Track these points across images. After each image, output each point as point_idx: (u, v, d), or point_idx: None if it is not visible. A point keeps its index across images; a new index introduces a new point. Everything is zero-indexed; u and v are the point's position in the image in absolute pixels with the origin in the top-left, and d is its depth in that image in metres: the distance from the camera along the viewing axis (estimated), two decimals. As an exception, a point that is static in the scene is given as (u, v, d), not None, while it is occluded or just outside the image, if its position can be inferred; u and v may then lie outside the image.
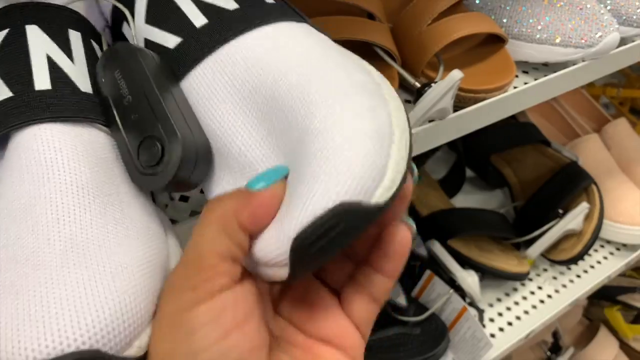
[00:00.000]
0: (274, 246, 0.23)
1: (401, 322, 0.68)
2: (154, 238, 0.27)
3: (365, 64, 0.28)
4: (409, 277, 0.73)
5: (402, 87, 0.50)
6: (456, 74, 0.43)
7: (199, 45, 0.29)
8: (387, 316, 0.67)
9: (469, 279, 0.69)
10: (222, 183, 0.27)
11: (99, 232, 0.25)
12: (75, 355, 0.21)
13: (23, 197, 0.26)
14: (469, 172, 0.95)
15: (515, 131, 0.91)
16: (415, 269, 0.73)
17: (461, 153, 0.91)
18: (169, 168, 0.26)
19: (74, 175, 0.26)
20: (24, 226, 0.25)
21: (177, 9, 0.30)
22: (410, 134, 0.25)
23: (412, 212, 0.80)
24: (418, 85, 0.46)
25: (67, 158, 0.27)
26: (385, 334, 0.66)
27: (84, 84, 0.30)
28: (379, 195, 0.22)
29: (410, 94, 0.52)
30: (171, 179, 0.26)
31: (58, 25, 0.31)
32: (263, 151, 0.26)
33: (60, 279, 0.23)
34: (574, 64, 0.57)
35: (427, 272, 0.70)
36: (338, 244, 0.22)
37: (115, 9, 0.33)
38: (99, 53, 0.33)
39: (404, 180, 0.23)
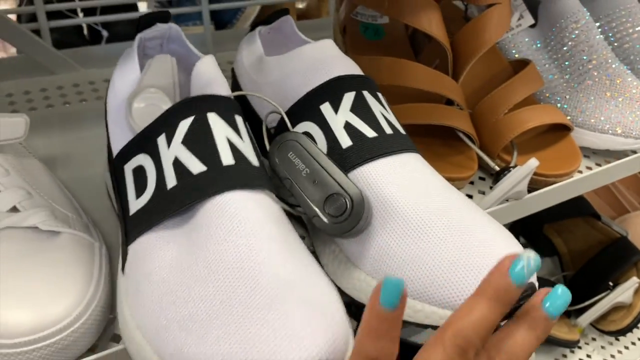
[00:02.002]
0: None
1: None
2: (326, 277, 0.34)
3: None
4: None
5: (480, 167, 0.56)
6: (533, 162, 0.49)
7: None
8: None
9: (525, 344, 0.73)
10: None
11: (301, 271, 0.32)
12: None
13: (233, 250, 0.32)
14: (520, 240, 0.99)
15: (567, 203, 0.95)
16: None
17: (516, 222, 0.96)
18: (354, 214, 0.36)
19: (267, 229, 0.33)
20: (241, 272, 0.31)
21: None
22: None
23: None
24: (497, 168, 0.53)
25: (258, 217, 0.34)
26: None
27: (253, 158, 0.37)
28: None
29: (485, 172, 0.58)
30: (357, 223, 0.35)
31: (228, 112, 0.38)
32: None
33: (294, 309, 0.29)
34: (633, 153, 0.63)
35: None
36: None
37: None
38: (249, 131, 0.40)
39: None
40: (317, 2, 1.01)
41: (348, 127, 0.40)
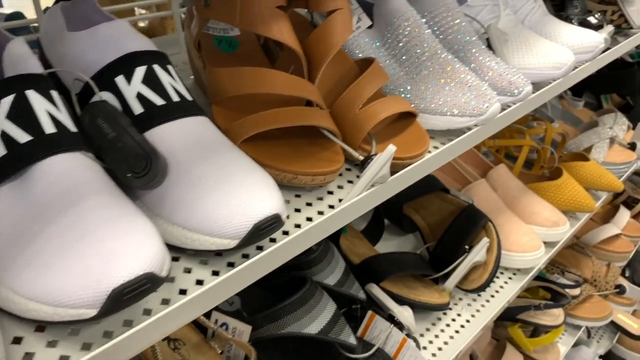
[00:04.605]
0: None
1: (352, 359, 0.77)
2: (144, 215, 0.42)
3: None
4: (353, 320, 0.83)
5: (345, 159, 0.61)
6: (392, 148, 0.55)
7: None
8: (339, 356, 0.77)
9: (406, 313, 0.80)
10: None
11: (127, 209, 0.41)
12: (143, 276, 0.36)
13: (62, 200, 0.40)
14: (386, 221, 1.08)
15: (420, 183, 1.05)
16: (358, 311, 0.83)
17: (379, 206, 1.04)
18: (154, 172, 0.44)
19: (90, 181, 0.41)
20: (71, 215, 0.39)
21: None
22: None
23: (346, 261, 0.90)
24: (361, 158, 0.58)
25: (82, 173, 0.42)
26: (341, 372, 0.75)
27: (71, 125, 0.44)
28: None
29: (350, 164, 0.64)
30: (154, 179, 0.44)
31: (44, 88, 0.45)
32: None
33: (118, 234, 0.38)
34: (468, 129, 0.72)
35: (369, 313, 0.81)
36: None
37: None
38: (65, 102, 0.47)
39: None
40: (160, 20, 1.00)
41: (140, 96, 0.48)
